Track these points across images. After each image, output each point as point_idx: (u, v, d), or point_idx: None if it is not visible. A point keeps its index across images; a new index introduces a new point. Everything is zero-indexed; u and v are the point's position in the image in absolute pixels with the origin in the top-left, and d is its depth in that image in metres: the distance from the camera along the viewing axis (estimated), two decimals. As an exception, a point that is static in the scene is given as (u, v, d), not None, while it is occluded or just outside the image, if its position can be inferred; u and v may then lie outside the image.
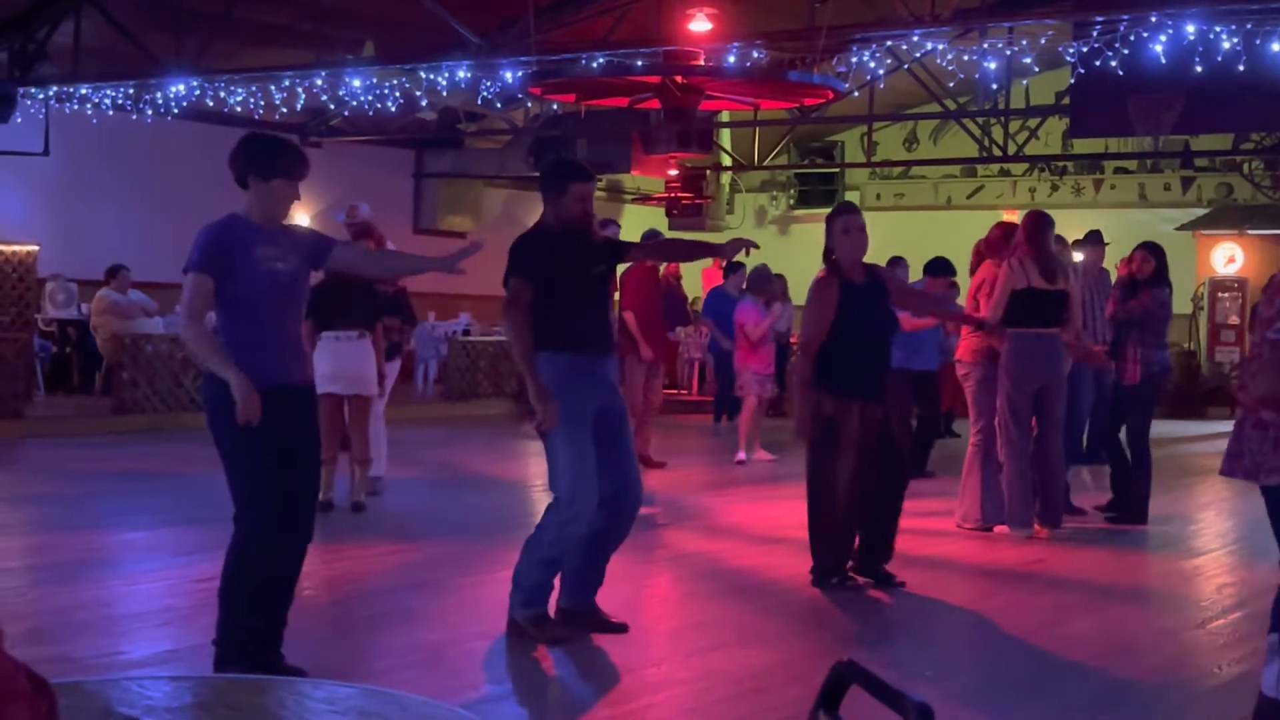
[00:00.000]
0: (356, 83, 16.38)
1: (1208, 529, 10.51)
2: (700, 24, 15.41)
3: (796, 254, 24.00)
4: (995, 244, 9.88)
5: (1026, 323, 9.16)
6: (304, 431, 5.37)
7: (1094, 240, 13.33)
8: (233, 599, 5.32)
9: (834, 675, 1.85)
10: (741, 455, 13.53)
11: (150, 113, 17.44)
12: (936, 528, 9.57)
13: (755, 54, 14.78)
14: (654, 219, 20.79)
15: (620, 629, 6.39)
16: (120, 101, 17.48)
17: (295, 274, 5.39)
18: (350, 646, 6.23)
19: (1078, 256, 11.93)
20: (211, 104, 17.29)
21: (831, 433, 7.31)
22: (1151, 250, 10.15)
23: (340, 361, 9.64)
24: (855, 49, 14.84)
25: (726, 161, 21.97)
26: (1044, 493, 9.34)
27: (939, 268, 12.77)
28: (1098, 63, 13.85)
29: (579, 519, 6.17)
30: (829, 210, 7.81)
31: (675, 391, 20.20)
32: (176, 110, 17.30)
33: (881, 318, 7.53)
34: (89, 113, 17.55)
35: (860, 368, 7.33)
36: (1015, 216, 22.65)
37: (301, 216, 19.28)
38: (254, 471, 5.21)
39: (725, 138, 21.58)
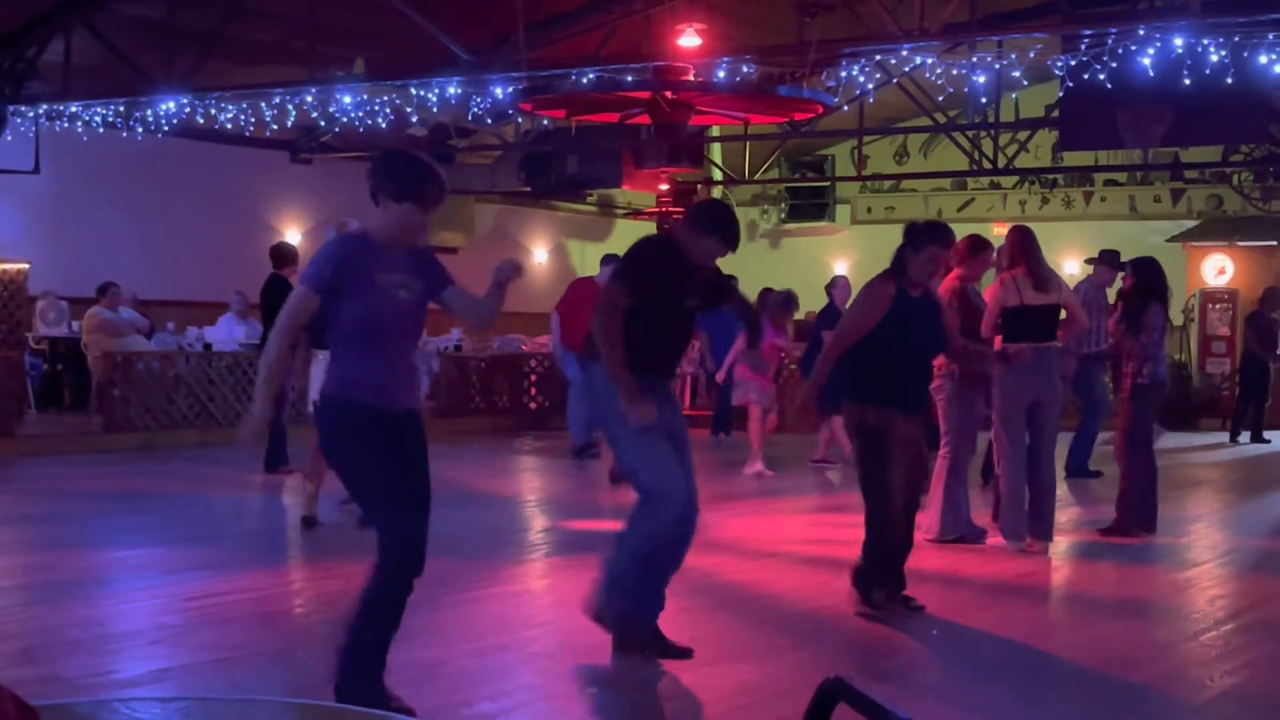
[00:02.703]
0: (347, 99, 16.39)
1: (1200, 541, 10.52)
2: (690, 39, 15.44)
3: (787, 267, 24.05)
4: (959, 255, 9.73)
5: (1022, 338, 9.19)
6: (414, 458, 5.14)
7: (1109, 260, 13.45)
8: (372, 625, 5.14)
9: (821, 692, 1.85)
10: (759, 467, 13.50)
11: (141, 130, 17.45)
12: (927, 541, 9.57)
13: (745, 69, 14.81)
14: (645, 234, 20.80)
15: (685, 654, 6.18)
16: (111, 119, 17.48)
17: (418, 301, 5.16)
18: (342, 664, 6.21)
19: (1071, 271, 11.99)
20: (202, 121, 17.30)
21: (880, 443, 7.14)
22: (1134, 267, 10.24)
23: None
24: (844, 63, 14.89)
25: (717, 176, 22.00)
26: (1035, 506, 9.35)
27: None
28: (1086, 76, 13.89)
29: (671, 508, 6.05)
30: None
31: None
32: (167, 128, 17.31)
33: (931, 334, 7.37)
34: (79, 130, 17.56)
35: (904, 380, 7.18)
36: (1004, 229, 22.72)
37: (292, 234, 19.29)
38: (376, 491, 5.05)
39: (716, 152, 21.62)
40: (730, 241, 6.29)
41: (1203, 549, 10.16)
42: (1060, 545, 9.61)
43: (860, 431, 7.20)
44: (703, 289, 6.41)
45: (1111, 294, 13.45)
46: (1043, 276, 9.26)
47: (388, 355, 5.07)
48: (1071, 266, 19.88)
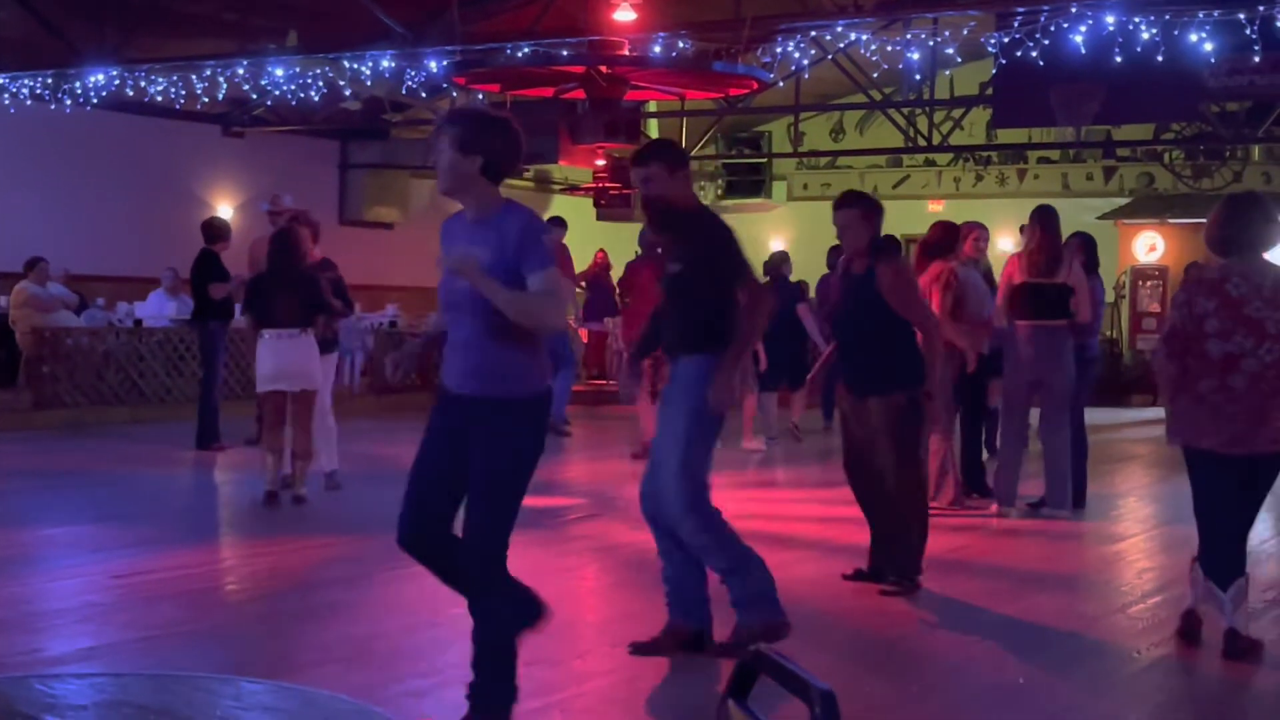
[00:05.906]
0: (279, 72, 16.22)
1: (1129, 514, 10.64)
2: (625, 14, 15.38)
3: (724, 244, 24.05)
4: (937, 244, 9.88)
5: (1023, 316, 9.43)
6: None
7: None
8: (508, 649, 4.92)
9: (742, 664, 1.85)
10: (755, 444, 13.48)
11: (70, 103, 17.20)
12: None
13: (680, 44, 14.79)
14: (582, 210, 20.76)
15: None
16: (39, 91, 17.21)
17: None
18: (274, 642, 6.18)
19: (1005, 247, 12.11)
20: (132, 94, 17.07)
21: (921, 426, 7.26)
22: (1081, 240, 10.39)
23: (283, 359, 9.57)
24: (780, 40, 14.89)
25: (654, 152, 21.94)
26: (1048, 477, 9.76)
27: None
28: (1019, 53, 13.97)
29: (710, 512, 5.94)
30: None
31: (605, 382, 20.19)
32: (96, 100, 17.07)
33: None
34: (7, 102, 17.27)
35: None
36: (940, 206, 22.81)
37: (224, 208, 19.09)
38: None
39: (653, 128, 21.57)
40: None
41: (1131, 523, 10.28)
42: (990, 520, 9.68)
43: (907, 415, 7.16)
44: None
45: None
46: (1042, 258, 9.48)
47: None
48: (1005, 243, 19.99)
